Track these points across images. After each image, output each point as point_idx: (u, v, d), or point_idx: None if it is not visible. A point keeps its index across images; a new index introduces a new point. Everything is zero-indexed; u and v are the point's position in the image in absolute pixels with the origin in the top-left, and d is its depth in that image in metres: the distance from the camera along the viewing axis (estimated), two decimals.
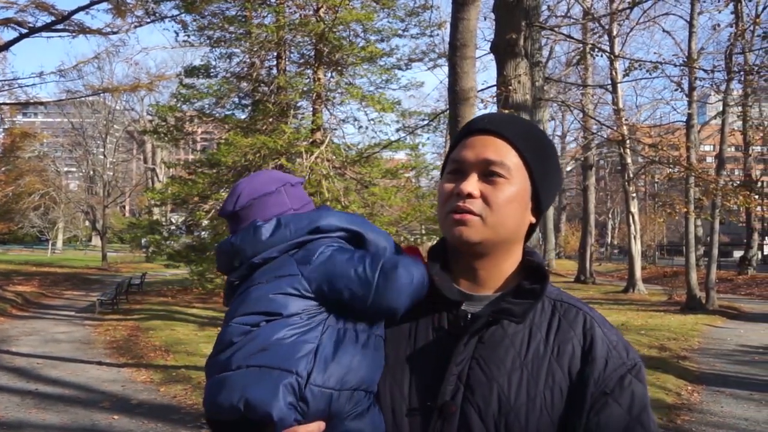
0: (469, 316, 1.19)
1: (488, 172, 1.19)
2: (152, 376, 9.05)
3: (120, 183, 57.66)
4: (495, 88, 10.41)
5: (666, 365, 10.03)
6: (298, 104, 20.37)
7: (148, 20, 20.60)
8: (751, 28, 19.41)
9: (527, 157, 1.20)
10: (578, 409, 1.11)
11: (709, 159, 51.73)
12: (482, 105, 11.54)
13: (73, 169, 66.25)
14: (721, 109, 24.31)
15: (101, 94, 32.69)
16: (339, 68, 20.04)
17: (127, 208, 76.46)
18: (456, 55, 7.01)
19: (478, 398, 1.12)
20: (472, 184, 1.18)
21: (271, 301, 1.18)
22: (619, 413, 1.10)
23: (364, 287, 1.17)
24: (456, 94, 7.04)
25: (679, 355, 11.24)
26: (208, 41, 20.21)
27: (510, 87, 9.03)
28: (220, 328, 1.22)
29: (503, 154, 1.19)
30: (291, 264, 1.22)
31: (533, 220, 1.25)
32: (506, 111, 9.37)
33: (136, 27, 21.56)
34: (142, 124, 47.40)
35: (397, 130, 21.75)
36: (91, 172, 56.65)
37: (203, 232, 20.92)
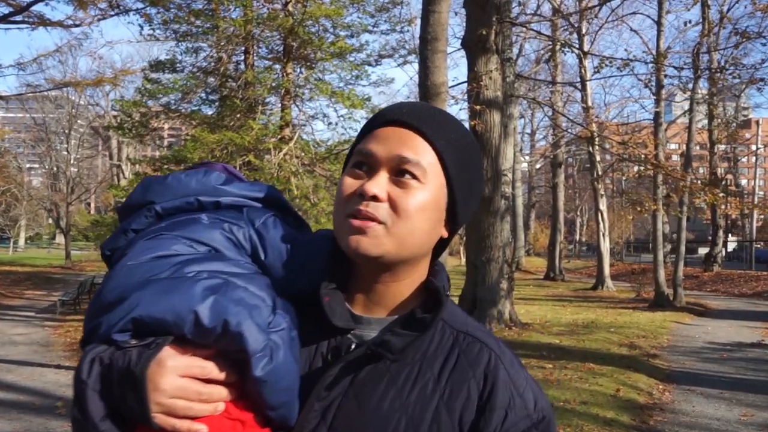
0: (352, 347, 1.01)
1: (400, 172, 0.99)
2: None
3: (85, 179, 56.59)
4: (466, 84, 10.31)
5: (637, 364, 10.00)
6: (267, 100, 20.13)
7: (112, 13, 20.12)
8: (717, 28, 19.63)
9: (447, 159, 1.01)
10: None
11: (675, 157, 52.52)
12: (453, 101, 11.43)
13: (36, 166, 64.91)
14: (687, 107, 24.57)
15: (64, 89, 31.95)
16: (308, 64, 19.83)
17: (92, 205, 75.26)
18: (427, 49, 6.84)
19: None
20: (380, 185, 0.98)
21: (212, 238, 1.01)
22: None
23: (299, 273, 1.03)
24: (427, 89, 6.87)
25: (648, 353, 11.24)
26: (173, 35, 19.86)
27: (481, 83, 8.91)
28: None
29: (420, 152, 0.99)
30: (233, 214, 1.07)
31: (445, 234, 1.06)
32: (472, 106, 9.27)
33: (99, 20, 21.04)
34: (107, 119, 46.55)
35: None
36: (55, 169, 55.56)
37: None
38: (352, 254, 0.99)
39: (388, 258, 0.99)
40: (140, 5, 19.26)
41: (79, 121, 51.56)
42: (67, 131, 48.42)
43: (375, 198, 0.97)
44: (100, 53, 62.83)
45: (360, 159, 1.02)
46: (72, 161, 47.88)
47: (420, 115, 1.03)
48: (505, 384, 0.96)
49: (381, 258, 0.98)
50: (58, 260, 38.98)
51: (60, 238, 59.04)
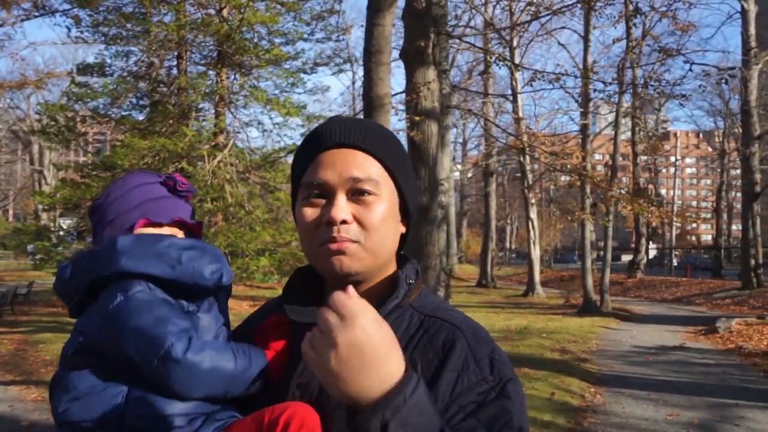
0: None
1: (356, 191, 1.06)
2: (44, 394, 8.38)
3: (3, 186, 54.23)
4: (404, 94, 10.42)
5: (569, 368, 10.34)
6: (200, 106, 19.84)
7: (37, 14, 19.50)
8: (639, 47, 20.52)
9: (390, 166, 1.10)
10: None
11: (599, 167, 54.45)
12: (393, 111, 11.57)
13: None
14: (612, 119, 25.56)
15: None
16: (243, 70, 19.66)
17: (10, 212, 72.06)
18: (371, 60, 6.95)
19: None
20: (344, 209, 1.05)
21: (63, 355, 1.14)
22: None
23: (143, 365, 1.04)
24: (371, 101, 6.97)
25: (579, 357, 11.63)
26: (103, 38, 19.33)
27: (420, 94, 9.04)
28: None
29: (368, 168, 1.08)
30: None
31: (403, 229, 1.15)
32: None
33: (23, 20, 20.39)
34: (29, 123, 44.78)
35: (303, 135, 21.58)
36: None
37: None
38: (335, 275, 1.06)
39: (368, 271, 1.08)
40: (67, 6, 18.70)
41: None
42: None
43: (345, 222, 1.04)
44: (23, 55, 60.25)
45: (314, 190, 1.08)
46: None
47: (354, 132, 1.09)
48: (461, 351, 1.02)
49: (362, 272, 1.07)
50: None
51: None
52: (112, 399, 1.05)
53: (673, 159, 50.39)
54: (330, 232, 1.04)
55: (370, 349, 0.82)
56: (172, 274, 1.10)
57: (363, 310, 0.84)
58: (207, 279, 1.12)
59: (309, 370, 1.04)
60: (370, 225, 1.06)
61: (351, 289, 0.86)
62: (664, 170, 58.84)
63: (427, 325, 1.08)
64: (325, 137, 1.10)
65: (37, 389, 8.73)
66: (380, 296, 1.10)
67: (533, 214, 26.59)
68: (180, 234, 1.23)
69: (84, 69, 19.69)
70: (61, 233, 20.71)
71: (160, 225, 1.21)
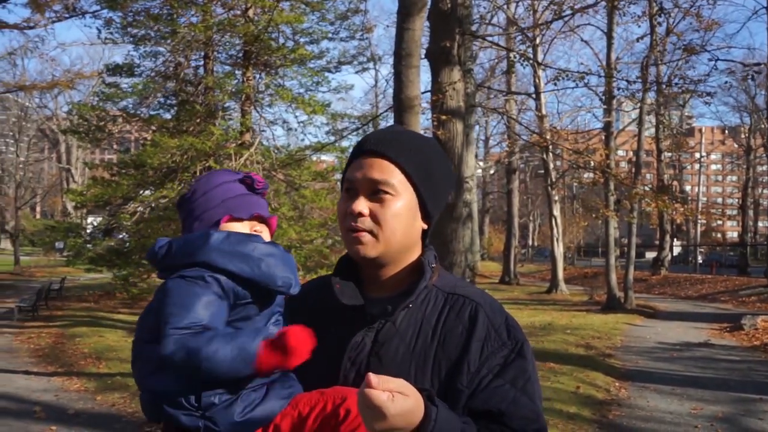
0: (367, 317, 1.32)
1: (375, 191, 1.31)
2: (86, 385, 8.75)
3: (32, 183, 55.12)
4: (429, 94, 10.60)
5: (594, 363, 10.48)
6: (227, 105, 20.09)
7: (68, 15, 19.88)
8: (662, 44, 20.48)
9: (410, 172, 1.32)
10: (460, 391, 1.23)
11: (623, 164, 54.09)
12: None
13: None
14: (635, 116, 25.48)
15: (15, 92, 31.20)
16: (268, 69, 19.89)
17: (38, 209, 73.22)
18: (401, 64, 7.16)
19: None
20: (361, 204, 1.30)
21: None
22: (504, 388, 1.24)
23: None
24: (401, 102, 7.19)
25: (604, 353, 11.75)
26: (131, 39, 19.68)
27: (446, 93, 9.23)
28: None
29: (387, 173, 1.31)
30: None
31: (425, 225, 1.37)
32: (439, 119, 9.57)
33: (54, 22, 20.79)
34: (56, 121, 45.55)
35: (327, 133, 21.86)
36: (0, 172, 53.99)
37: (126, 235, 20.28)
38: (356, 258, 1.33)
39: (384, 256, 1.32)
40: (97, 8, 19.08)
41: (26, 124, 50.22)
42: (15, 134, 47.05)
43: (360, 214, 1.29)
44: (52, 55, 61.12)
45: (347, 185, 1.34)
46: (20, 165, 46.58)
47: (384, 141, 1.34)
48: (483, 323, 1.29)
49: (378, 258, 1.32)
50: (5, 266, 37.62)
51: (5, 243, 57.32)
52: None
53: (698, 155, 49.87)
54: (352, 221, 1.30)
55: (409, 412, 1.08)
56: (250, 275, 1.28)
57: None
58: (278, 286, 1.31)
59: (357, 346, 1.31)
60: (382, 219, 1.29)
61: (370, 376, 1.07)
62: (688, 167, 58.32)
63: (452, 302, 1.33)
64: (364, 144, 1.36)
65: (79, 380, 9.08)
66: (407, 279, 1.36)
67: (556, 212, 26.57)
68: (258, 227, 1.42)
69: (113, 69, 20.06)
70: (89, 230, 21.16)
71: (241, 220, 1.39)
